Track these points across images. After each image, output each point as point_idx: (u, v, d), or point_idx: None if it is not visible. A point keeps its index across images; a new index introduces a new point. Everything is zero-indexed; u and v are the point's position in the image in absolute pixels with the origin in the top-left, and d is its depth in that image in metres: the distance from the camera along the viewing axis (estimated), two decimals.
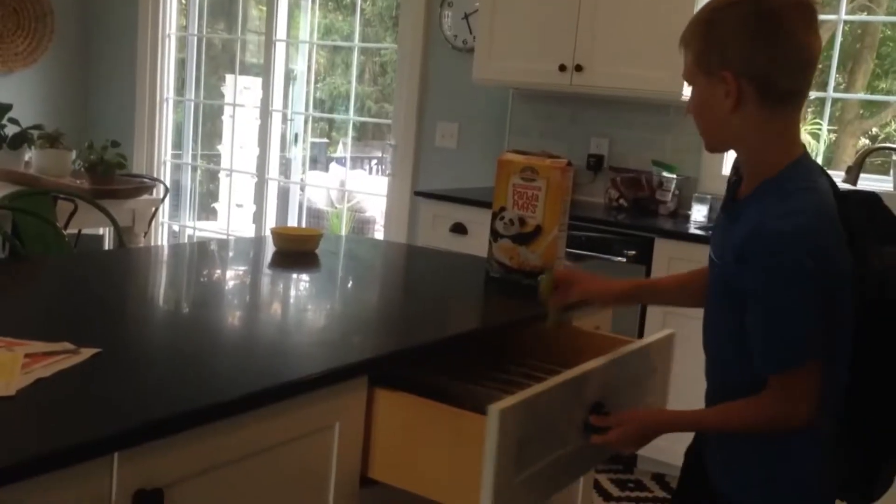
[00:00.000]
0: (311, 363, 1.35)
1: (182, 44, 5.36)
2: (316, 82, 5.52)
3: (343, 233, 6.66)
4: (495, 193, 2.03)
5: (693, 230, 3.32)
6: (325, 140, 7.96)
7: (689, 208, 3.59)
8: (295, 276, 2.04)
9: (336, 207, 7.16)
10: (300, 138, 5.06)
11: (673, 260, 3.20)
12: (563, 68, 3.62)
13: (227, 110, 5.65)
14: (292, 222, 5.24)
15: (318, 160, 7.79)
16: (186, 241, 5.44)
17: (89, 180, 3.68)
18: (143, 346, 1.40)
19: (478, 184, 4.18)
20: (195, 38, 5.34)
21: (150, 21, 5.21)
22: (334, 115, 7.41)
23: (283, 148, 5.12)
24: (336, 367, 1.32)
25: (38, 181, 3.68)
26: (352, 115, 5.30)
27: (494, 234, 2.06)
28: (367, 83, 7.58)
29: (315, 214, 7.23)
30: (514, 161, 2.00)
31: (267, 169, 4.94)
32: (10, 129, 3.95)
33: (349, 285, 2.07)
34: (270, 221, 5.07)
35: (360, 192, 6.76)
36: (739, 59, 1.30)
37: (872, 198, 1.39)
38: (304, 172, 6.24)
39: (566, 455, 1.46)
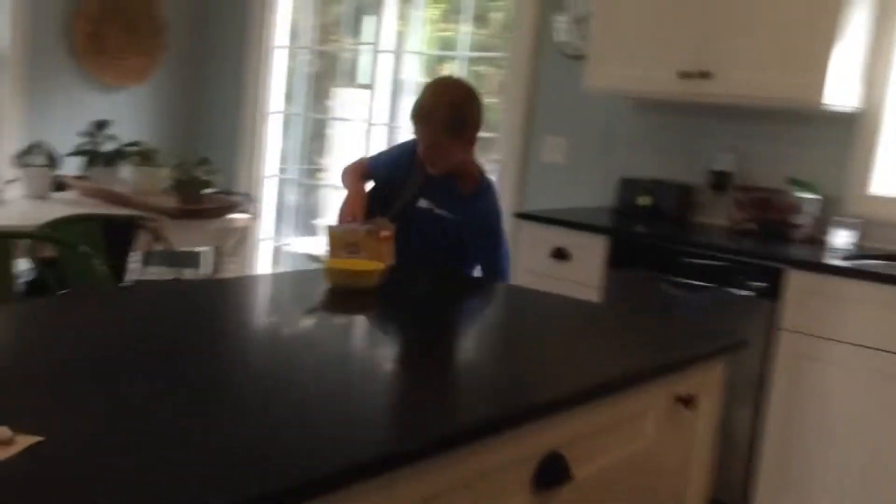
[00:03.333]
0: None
1: (292, 56, 5.25)
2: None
3: None
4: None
5: (833, 261, 2.84)
6: None
7: (829, 234, 3.12)
8: (347, 320, 1.77)
9: None
10: None
11: (808, 295, 2.75)
12: (684, 75, 3.23)
13: (335, 124, 5.50)
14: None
15: None
16: (280, 259, 5.31)
17: (178, 199, 3.56)
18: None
19: (588, 202, 3.83)
20: (303, 51, 5.22)
21: (259, 34, 5.13)
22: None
23: None
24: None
25: (128, 199, 3.60)
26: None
27: None
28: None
29: None
30: (335, 236, 2.26)
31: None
32: (109, 146, 3.90)
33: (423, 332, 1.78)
34: None
35: None
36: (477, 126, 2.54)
37: None
38: None
39: None
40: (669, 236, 3.22)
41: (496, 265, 2.70)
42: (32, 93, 4.71)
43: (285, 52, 5.20)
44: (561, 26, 3.87)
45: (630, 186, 3.66)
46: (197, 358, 1.42)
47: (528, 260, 3.39)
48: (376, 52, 4.69)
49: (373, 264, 1.94)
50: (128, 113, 5.14)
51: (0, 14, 4.59)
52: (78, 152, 3.83)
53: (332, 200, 5.32)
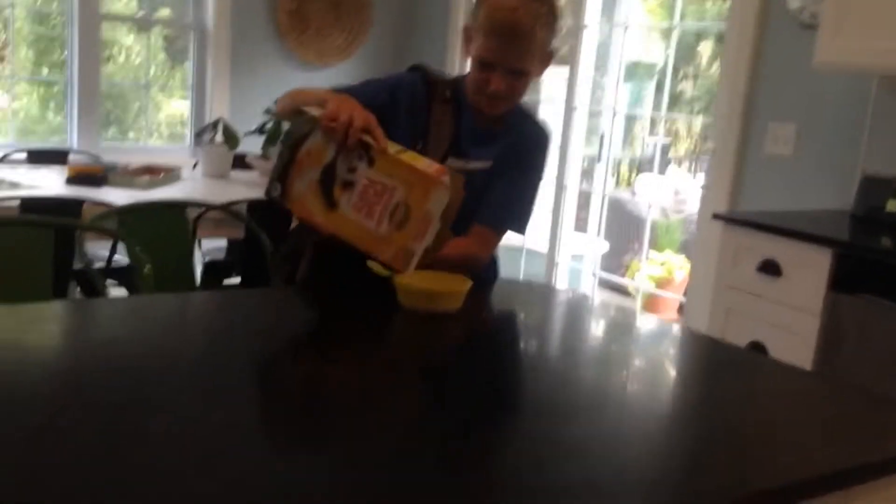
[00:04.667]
0: None
1: None
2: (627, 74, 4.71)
3: (660, 255, 5.77)
4: None
5: None
6: (666, 140, 7.06)
7: None
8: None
9: (668, 218, 6.26)
10: (607, 138, 4.32)
11: None
12: None
13: (542, 107, 5.08)
14: (609, 233, 4.55)
15: (658, 162, 6.93)
16: None
17: None
18: None
19: (819, 204, 3.13)
20: None
21: (463, 11, 4.82)
22: (634, 112, 6.41)
23: (598, 149, 4.39)
24: None
25: None
26: (663, 112, 4.40)
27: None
28: (683, 72, 6.51)
29: (641, 224, 6.43)
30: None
31: (566, 174, 4.28)
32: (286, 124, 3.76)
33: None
34: (569, 230, 4.43)
35: (663, 206, 5.80)
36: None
37: None
38: (629, 176, 5.45)
39: None
40: None
41: (504, 222, 1.82)
42: (235, 70, 4.73)
43: None
44: None
45: (875, 187, 2.92)
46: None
47: (730, 272, 2.79)
48: (581, 26, 4.20)
49: (459, 281, 1.52)
50: None
51: None
52: (256, 130, 3.73)
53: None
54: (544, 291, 1.94)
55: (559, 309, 1.82)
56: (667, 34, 4.30)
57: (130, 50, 5.45)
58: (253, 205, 2.97)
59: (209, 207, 2.47)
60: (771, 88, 3.33)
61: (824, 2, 2.87)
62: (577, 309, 1.85)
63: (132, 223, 1.90)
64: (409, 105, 1.75)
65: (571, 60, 4.24)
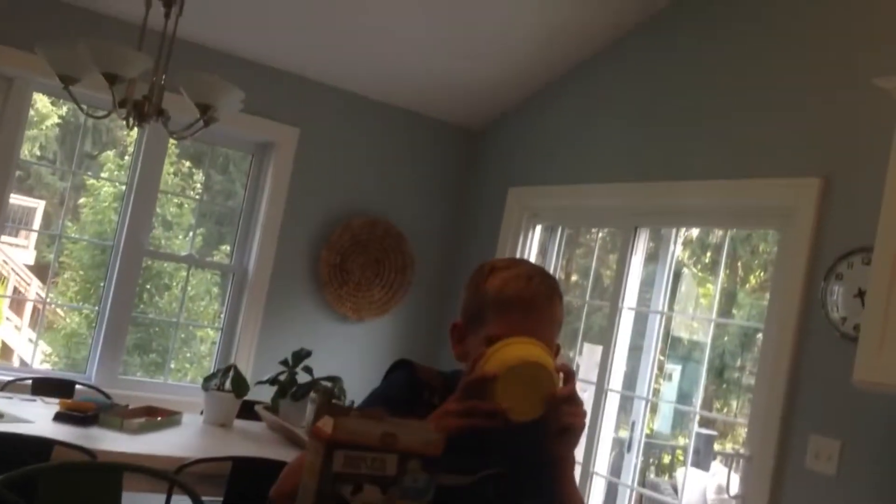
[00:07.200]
0: None
1: None
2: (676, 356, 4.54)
3: None
4: None
5: None
6: (712, 432, 6.70)
7: None
8: None
9: None
10: (638, 428, 4.05)
11: None
12: None
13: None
14: None
15: (702, 455, 6.53)
16: None
17: None
18: None
19: None
20: None
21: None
22: (676, 404, 6.14)
23: (626, 433, 4.12)
24: None
25: (295, 435, 3.24)
26: (697, 409, 4.15)
27: None
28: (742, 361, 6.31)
29: None
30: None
31: (592, 463, 3.98)
32: (303, 378, 3.64)
33: None
34: None
35: None
36: None
37: None
38: (664, 472, 5.05)
39: None
40: None
41: None
42: (268, 315, 4.71)
43: None
44: (836, 299, 3.03)
45: None
46: None
47: None
48: (619, 307, 4.10)
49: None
50: (363, 346, 4.97)
51: (250, 239, 4.74)
52: (268, 381, 3.61)
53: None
54: None
55: None
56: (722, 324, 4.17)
57: (187, 284, 5.56)
58: (239, 463, 2.77)
59: (146, 471, 2.26)
60: (812, 398, 3.09)
61: (864, 318, 2.71)
62: None
63: (52, 487, 1.71)
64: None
65: (606, 341, 4.09)
